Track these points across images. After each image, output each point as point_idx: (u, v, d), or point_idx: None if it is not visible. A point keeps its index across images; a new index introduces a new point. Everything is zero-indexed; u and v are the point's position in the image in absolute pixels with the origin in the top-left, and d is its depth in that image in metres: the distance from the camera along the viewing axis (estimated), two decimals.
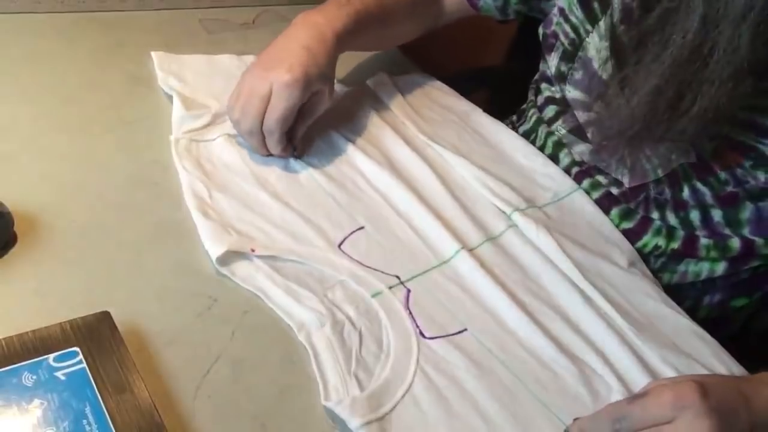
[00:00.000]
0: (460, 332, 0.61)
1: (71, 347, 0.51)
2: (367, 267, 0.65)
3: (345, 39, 0.76)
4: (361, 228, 0.68)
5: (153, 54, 0.87)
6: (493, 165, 0.81)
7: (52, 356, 0.50)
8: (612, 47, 0.71)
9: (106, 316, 0.54)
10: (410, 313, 0.61)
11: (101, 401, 0.48)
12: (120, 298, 0.58)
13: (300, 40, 0.73)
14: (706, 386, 0.49)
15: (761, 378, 0.55)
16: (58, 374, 0.49)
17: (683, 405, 0.48)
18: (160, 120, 0.79)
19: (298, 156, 0.75)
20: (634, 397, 0.51)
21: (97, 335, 0.52)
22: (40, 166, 0.70)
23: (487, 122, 0.88)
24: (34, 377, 0.49)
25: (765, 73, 0.61)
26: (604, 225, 0.76)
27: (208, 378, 0.54)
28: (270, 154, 0.74)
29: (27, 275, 0.59)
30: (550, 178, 0.81)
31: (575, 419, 0.53)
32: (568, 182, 0.80)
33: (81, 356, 0.50)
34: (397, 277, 0.64)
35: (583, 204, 0.78)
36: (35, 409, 0.47)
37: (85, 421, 0.47)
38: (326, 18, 0.76)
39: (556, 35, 0.81)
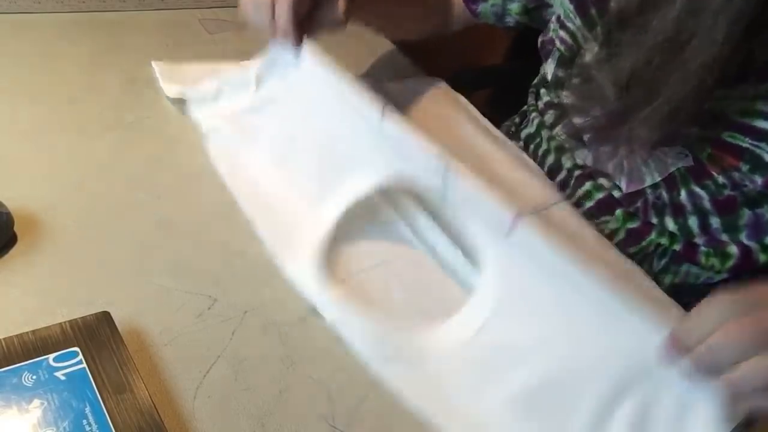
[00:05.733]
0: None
1: (71, 347, 0.51)
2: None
3: None
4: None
5: (154, 64, 0.86)
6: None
7: (51, 356, 0.50)
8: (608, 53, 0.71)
9: (106, 316, 0.54)
10: None
11: (101, 401, 0.48)
12: (120, 298, 0.58)
13: None
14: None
15: None
16: (58, 374, 0.49)
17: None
18: (160, 120, 0.79)
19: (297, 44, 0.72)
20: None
21: (97, 335, 0.52)
22: (40, 166, 0.70)
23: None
24: (34, 377, 0.49)
25: (763, 76, 0.62)
26: (587, 238, 0.75)
27: (208, 378, 0.54)
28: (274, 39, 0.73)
29: (27, 275, 0.59)
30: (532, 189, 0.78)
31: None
32: (551, 195, 0.78)
33: (81, 356, 0.50)
34: None
35: (564, 217, 0.76)
36: (35, 409, 0.47)
37: (85, 421, 0.47)
38: None
39: (552, 42, 0.82)
